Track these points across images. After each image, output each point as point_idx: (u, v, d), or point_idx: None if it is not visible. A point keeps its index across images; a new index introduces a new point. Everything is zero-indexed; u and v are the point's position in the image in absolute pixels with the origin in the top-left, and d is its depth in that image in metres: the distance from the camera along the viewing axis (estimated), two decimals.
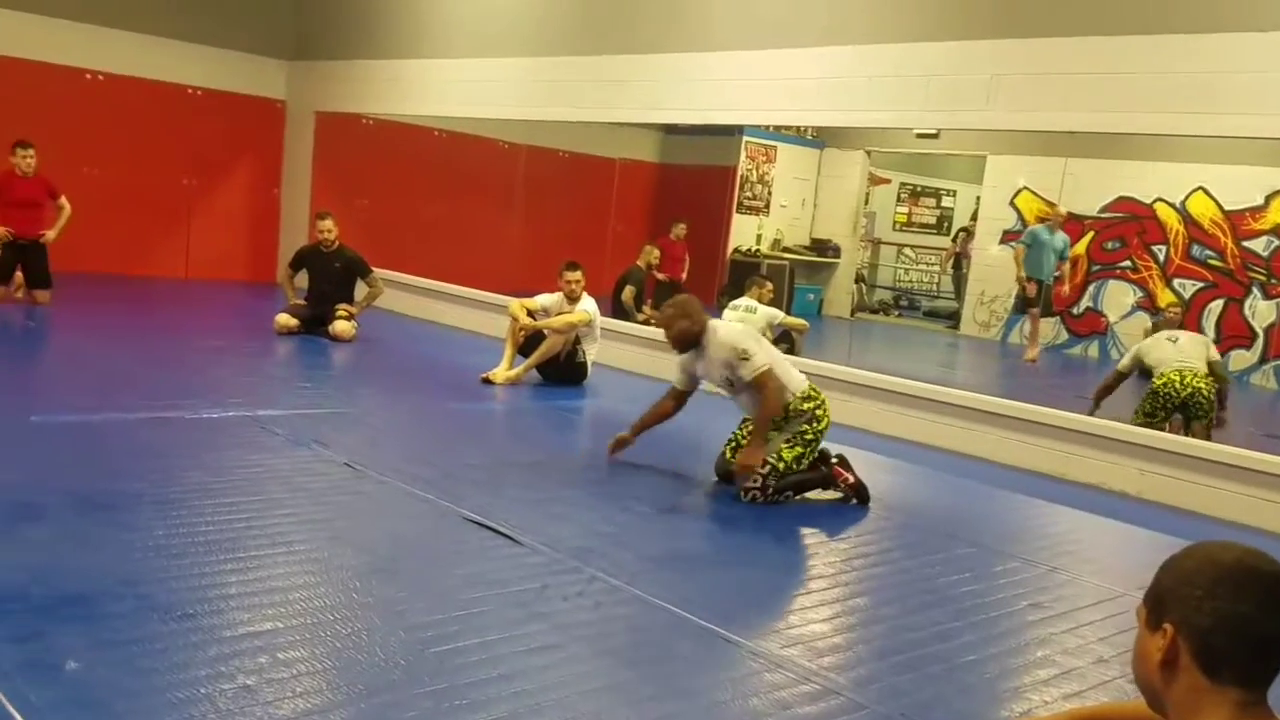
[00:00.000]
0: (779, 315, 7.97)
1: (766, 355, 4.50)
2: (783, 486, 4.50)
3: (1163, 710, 1.42)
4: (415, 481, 4.19)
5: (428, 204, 11.29)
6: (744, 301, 7.89)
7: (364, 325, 7.98)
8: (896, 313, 15.01)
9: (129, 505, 3.54)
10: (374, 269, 8.11)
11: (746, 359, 4.42)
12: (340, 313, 7.80)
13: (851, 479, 4.67)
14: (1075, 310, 11.85)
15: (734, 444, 4.76)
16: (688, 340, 4.59)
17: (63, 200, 7.88)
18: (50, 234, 7.83)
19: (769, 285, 8.29)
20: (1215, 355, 6.89)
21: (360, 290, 8.10)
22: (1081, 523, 5.01)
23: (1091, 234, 11.67)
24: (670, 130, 12.88)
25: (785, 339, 7.88)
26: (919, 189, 15.76)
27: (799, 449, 4.53)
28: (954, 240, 14.45)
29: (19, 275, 7.80)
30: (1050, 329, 11.59)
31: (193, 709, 2.22)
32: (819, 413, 4.60)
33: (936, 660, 3.00)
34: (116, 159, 9.85)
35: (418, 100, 9.72)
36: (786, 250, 13.58)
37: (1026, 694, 2.87)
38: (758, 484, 4.43)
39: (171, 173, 10.30)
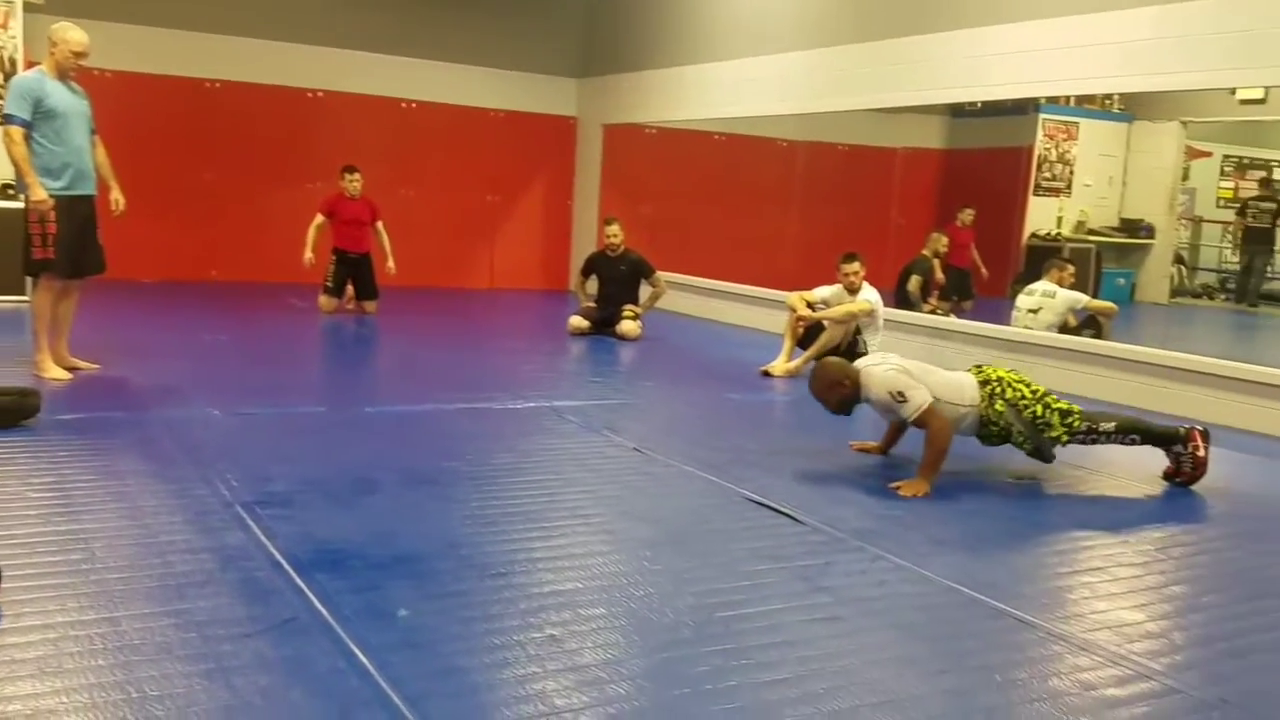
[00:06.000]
0: (1082, 299, 7.50)
1: (923, 392, 4.18)
2: (1124, 427, 4.31)
3: None
4: (699, 465, 4.32)
5: (707, 206, 11.54)
6: (1041, 285, 7.50)
7: (649, 324, 8.30)
8: (1223, 296, 13.57)
9: (450, 481, 3.92)
10: (657, 270, 8.43)
11: (903, 401, 4.17)
12: (626, 313, 8.16)
13: (1203, 451, 4.30)
14: None
15: None
16: (849, 402, 4.39)
17: (379, 225, 8.75)
18: (390, 264, 8.62)
19: (1070, 268, 7.81)
20: None
21: (644, 291, 8.44)
22: None
23: None
24: (957, 114, 12.40)
25: (1091, 324, 7.42)
26: (1246, 161, 14.18)
27: (1044, 411, 4.24)
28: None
29: (350, 289, 8.77)
30: None
31: (507, 653, 2.43)
32: (1011, 393, 4.27)
33: (1266, 649, 2.73)
34: (428, 180, 10.88)
35: (697, 105, 9.99)
36: (1092, 232, 12.66)
37: None
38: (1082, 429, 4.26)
39: (476, 191, 11.25)
